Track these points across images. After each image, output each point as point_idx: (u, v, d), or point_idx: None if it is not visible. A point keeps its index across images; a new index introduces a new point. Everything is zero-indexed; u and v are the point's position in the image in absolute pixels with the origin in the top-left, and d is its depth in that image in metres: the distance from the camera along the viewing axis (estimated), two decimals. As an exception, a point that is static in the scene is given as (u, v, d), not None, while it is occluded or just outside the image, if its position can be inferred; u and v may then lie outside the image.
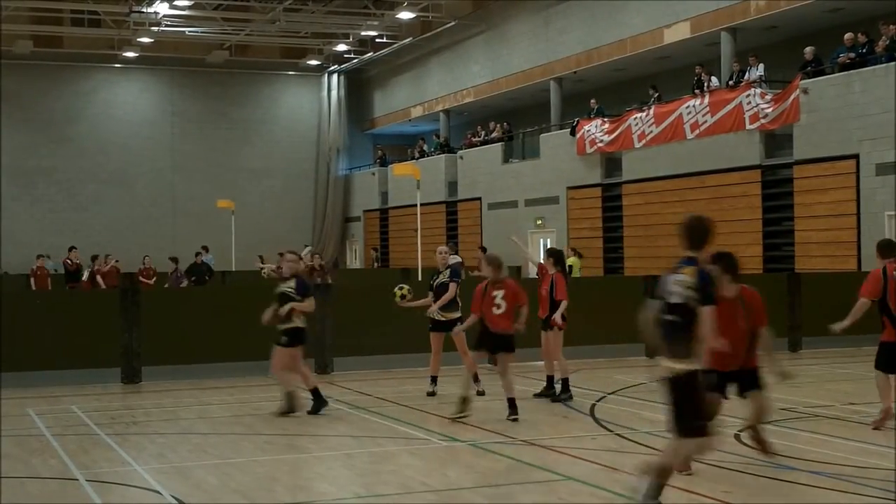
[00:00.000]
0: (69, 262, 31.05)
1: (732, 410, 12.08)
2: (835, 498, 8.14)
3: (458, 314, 13.57)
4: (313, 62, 48.99)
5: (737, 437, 10.50)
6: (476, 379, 13.30)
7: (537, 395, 13.43)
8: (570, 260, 25.35)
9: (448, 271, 13.69)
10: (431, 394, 13.58)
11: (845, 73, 24.01)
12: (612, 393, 13.86)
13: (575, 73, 34.83)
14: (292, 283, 12.40)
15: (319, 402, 12.26)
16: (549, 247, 16.89)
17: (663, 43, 30.47)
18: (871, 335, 19.06)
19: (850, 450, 9.91)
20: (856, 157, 23.39)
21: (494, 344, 11.72)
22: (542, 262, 13.62)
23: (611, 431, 10.99)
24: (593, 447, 10.15)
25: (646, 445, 10.12)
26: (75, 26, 44.03)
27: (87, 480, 8.95)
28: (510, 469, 9.29)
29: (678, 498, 8.13)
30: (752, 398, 9.39)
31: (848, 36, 24.55)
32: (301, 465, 9.59)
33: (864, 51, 24.02)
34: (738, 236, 26.61)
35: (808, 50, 25.43)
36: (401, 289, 13.54)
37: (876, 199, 22.93)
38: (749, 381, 9.24)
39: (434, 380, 13.79)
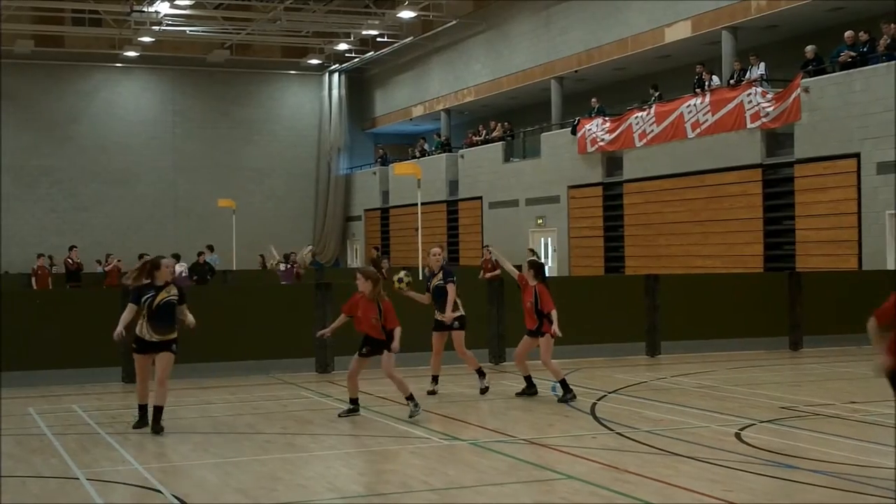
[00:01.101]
0: (70, 261, 31.11)
1: (734, 410, 12.11)
2: (836, 497, 8.13)
3: (459, 312, 13.60)
4: (314, 61, 48.99)
5: (737, 435, 10.51)
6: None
7: (519, 394, 13.49)
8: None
9: (442, 273, 13.71)
10: (432, 392, 13.59)
11: (846, 71, 23.99)
12: (613, 392, 13.86)
13: (576, 72, 34.82)
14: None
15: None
16: (529, 258, 16.87)
17: (664, 42, 30.46)
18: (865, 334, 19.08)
19: (852, 449, 9.91)
20: (857, 156, 23.37)
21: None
22: (521, 273, 13.52)
23: (611, 430, 10.99)
24: (594, 446, 10.14)
25: (647, 444, 10.12)
26: (76, 26, 44.05)
27: (87, 479, 8.95)
28: (511, 468, 9.29)
29: (678, 496, 8.13)
30: None
31: (848, 34, 24.54)
32: (302, 465, 9.58)
33: (866, 49, 24.00)
34: (738, 235, 26.63)
35: (809, 49, 25.41)
36: (401, 280, 13.41)
37: (877, 198, 22.91)
38: None
39: (435, 379, 13.80)
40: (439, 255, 14.03)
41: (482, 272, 24.93)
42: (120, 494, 8.63)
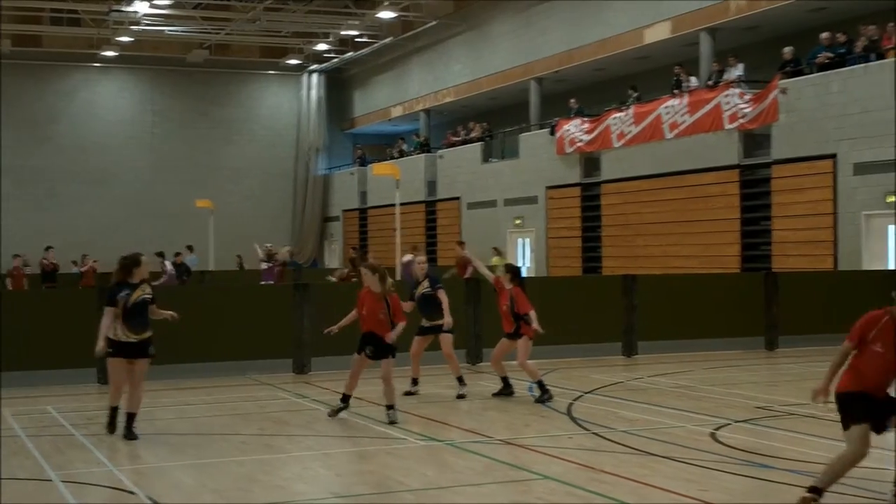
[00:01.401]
0: (45, 262, 30.95)
1: (709, 410, 12.14)
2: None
3: (443, 319, 13.59)
4: (293, 61, 48.90)
5: (713, 435, 10.54)
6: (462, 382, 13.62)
7: (496, 395, 13.50)
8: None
9: (427, 280, 13.73)
10: (410, 393, 13.58)
11: (824, 73, 24.12)
12: (590, 392, 13.88)
13: (555, 72, 34.89)
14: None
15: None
16: (505, 262, 16.89)
17: (643, 43, 30.56)
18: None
19: (827, 448, 9.93)
20: (834, 156, 23.50)
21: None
22: (498, 276, 13.51)
23: (588, 430, 11.01)
24: (570, 446, 10.16)
25: (623, 445, 10.15)
26: (54, 25, 43.85)
27: (62, 481, 8.90)
28: (488, 468, 9.29)
29: (654, 496, 8.15)
30: None
31: (824, 36, 24.68)
32: (279, 466, 9.56)
33: (843, 51, 24.14)
34: (716, 236, 26.73)
35: (787, 50, 25.53)
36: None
37: (853, 198, 23.05)
38: None
39: (415, 381, 13.80)
40: (424, 263, 14.09)
41: (456, 269, 24.84)
42: (94, 496, 8.59)
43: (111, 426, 11.01)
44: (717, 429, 10.86)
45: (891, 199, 22.07)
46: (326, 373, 16.04)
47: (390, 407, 11.64)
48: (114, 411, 11.04)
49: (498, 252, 27.17)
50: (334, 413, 11.92)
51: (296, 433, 11.25)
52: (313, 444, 10.70)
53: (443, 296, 13.63)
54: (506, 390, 13.50)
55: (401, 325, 11.64)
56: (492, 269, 14.55)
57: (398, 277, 21.74)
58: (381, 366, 11.66)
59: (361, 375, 11.99)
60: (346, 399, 11.99)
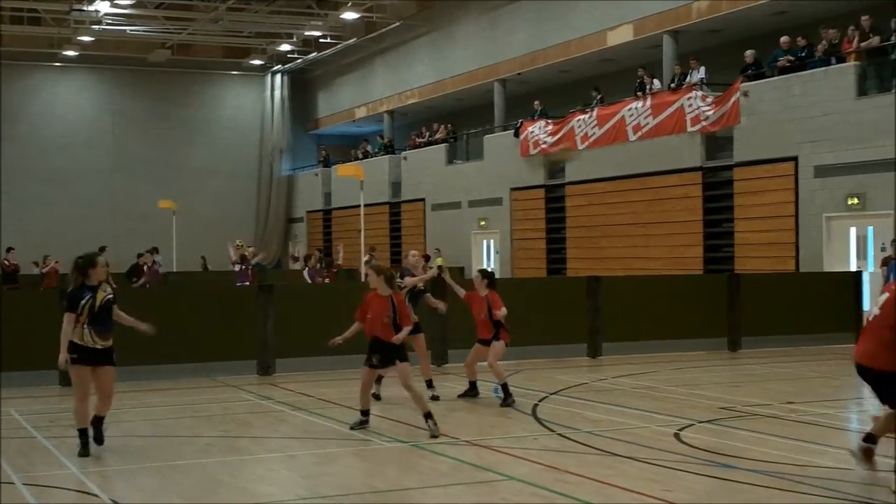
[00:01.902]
0: (6, 262, 30.64)
1: (673, 411, 12.21)
2: (774, 496, 8.24)
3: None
4: (257, 62, 48.73)
5: (676, 435, 10.60)
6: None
7: (461, 396, 13.52)
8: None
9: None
10: (375, 396, 13.54)
11: (785, 76, 24.33)
12: (555, 393, 13.92)
13: (519, 74, 34.96)
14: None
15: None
16: (480, 267, 16.93)
17: (607, 45, 30.69)
18: (809, 335, 19.41)
19: (789, 448, 10.04)
20: (795, 159, 23.71)
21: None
22: (470, 291, 13.43)
23: (553, 431, 11.04)
24: (535, 447, 10.19)
25: (587, 445, 10.18)
26: (14, 24, 43.36)
27: (24, 484, 8.82)
28: (453, 469, 9.30)
29: (618, 496, 8.19)
30: None
31: (784, 39, 24.90)
32: (243, 468, 9.52)
33: (804, 54, 24.36)
34: (678, 237, 26.89)
35: (749, 53, 25.73)
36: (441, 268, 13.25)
37: (814, 201, 23.26)
38: None
39: (379, 380, 13.75)
40: (418, 256, 14.20)
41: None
42: (57, 499, 8.52)
43: (85, 449, 10.03)
44: (680, 429, 10.93)
45: (852, 201, 22.30)
46: (291, 374, 16.01)
47: (427, 416, 10.85)
48: (84, 434, 10.09)
49: (440, 253, 27.21)
50: (357, 426, 11.19)
51: (260, 435, 11.21)
52: (278, 445, 10.67)
53: (427, 297, 13.99)
54: (471, 392, 13.51)
55: (406, 329, 11.12)
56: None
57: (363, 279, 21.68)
58: (397, 373, 11.09)
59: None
60: (365, 414, 11.31)
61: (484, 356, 13.14)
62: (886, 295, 8.59)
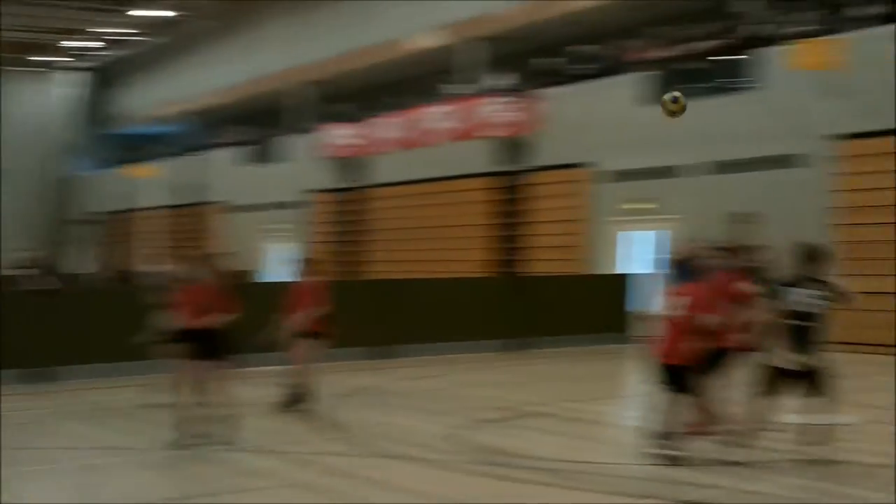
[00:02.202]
0: None
1: (458, 411, 12.23)
2: (551, 493, 8.31)
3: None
4: (49, 59, 46.92)
5: (459, 435, 10.60)
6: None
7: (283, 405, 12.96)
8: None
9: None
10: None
11: (580, 84, 24.96)
12: (347, 396, 13.73)
13: (324, 76, 34.75)
14: None
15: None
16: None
17: (412, 49, 30.81)
18: (594, 335, 19.84)
19: (567, 447, 10.18)
20: (589, 165, 24.33)
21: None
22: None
23: (342, 435, 10.85)
24: (323, 451, 10.00)
25: (374, 447, 10.06)
26: None
27: None
28: (234, 475, 9.04)
29: (399, 497, 8.13)
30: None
31: (585, 48, 25.56)
32: (6, 480, 8.98)
33: (600, 64, 25.07)
34: (475, 241, 27.22)
35: (548, 61, 26.31)
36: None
37: (605, 206, 23.92)
38: None
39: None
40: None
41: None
42: None
43: None
44: (462, 429, 10.93)
45: (641, 206, 23.07)
46: (71, 381, 15.26)
47: (218, 421, 10.44)
48: None
49: (233, 256, 26.72)
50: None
51: (27, 445, 10.63)
52: (44, 457, 10.12)
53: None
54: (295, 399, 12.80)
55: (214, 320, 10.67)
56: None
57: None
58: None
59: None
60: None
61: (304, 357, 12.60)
62: (687, 298, 9.19)
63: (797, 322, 9.04)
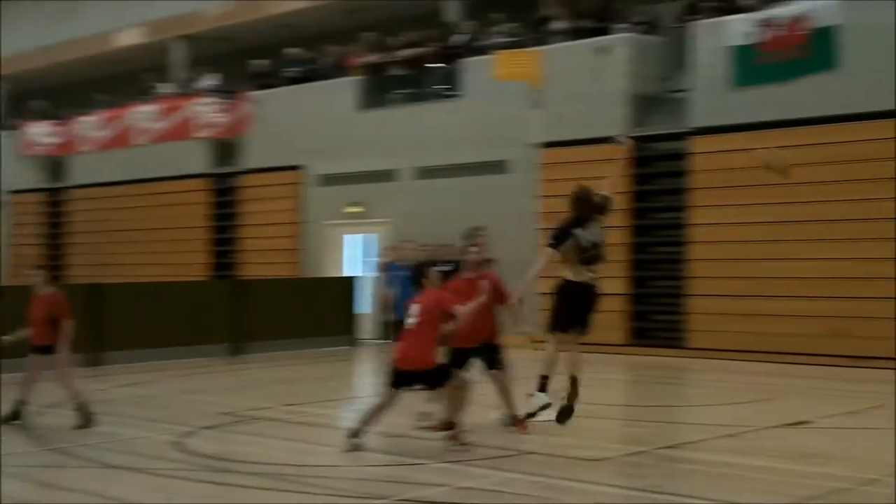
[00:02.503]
0: None
1: (176, 418, 12.06)
2: (274, 498, 8.35)
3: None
4: None
5: (178, 443, 10.47)
6: None
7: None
8: None
9: None
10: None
11: (293, 87, 25.05)
12: (51, 407, 13.20)
13: (22, 71, 33.21)
14: None
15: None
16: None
17: (115, 47, 29.94)
18: (311, 339, 20.01)
19: (289, 449, 10.25)
20: (301, 168, 24.46)
21: None
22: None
23: (48, 447, 10.47)
24: (29, 464, 9.63)
25: (85, 458, 9.77)
26: None
27: None
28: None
29: (116, 510, 7.97)
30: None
31: (293, 51, 25.67)
32: None
33: (312, 66, 25.25)
34: (187, 243, 26.77)
35: (258, 63, 26.23)
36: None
37: (319, 209, 24.12)
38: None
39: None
40: None
41: None
42: None
43: None
44: (182, 436, 10.79)
45: (353, 209, 23.41)
46: None
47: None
48: None
49: None
50: None
51: None
52: None
53: None
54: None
55: None
56: None
57: None
58: None
59: None
60: None
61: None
62: (418, 305, 9.73)
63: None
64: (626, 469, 9.39)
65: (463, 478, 8.76)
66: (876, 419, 12.15)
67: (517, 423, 10.58)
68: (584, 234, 10.05)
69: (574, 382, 10.16)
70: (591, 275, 10.13)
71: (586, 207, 10.18)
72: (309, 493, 8.42)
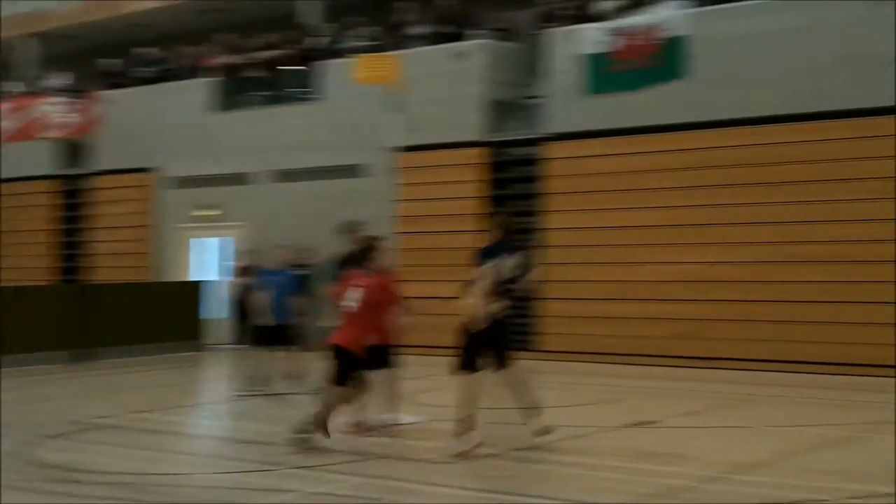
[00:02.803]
0: None
1: (17, 427, 11.65)
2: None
3: None
4: None
5: (16, 453, 10.12)
6: None
7: None
8: None
9: None
10: None
11: (146, 87, 24.57)
12: None
13: None
14: None
15: None
16: None
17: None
18: (160, 343, 19.63)
19: (137, 458, 10.02)
20: (153, 169, 23.99)
21: None
22: None
23: None
24: None
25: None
26: None
27: None
28: None
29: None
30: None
31: (146, 51, 25.20)
32: None
33: (166, 67, 24.81)
34: (33, 247, 26.03)
35: (110, 62, 25.66)
36: None
37: (172, 211, 23.69)
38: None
39: None
40: None
41: None
42: None
43: None
44: (28, 446, 10.43)
45: (205, 212, 23.07)
46: None
47: None
48: None
49: None
50: None
51: None
52: None
53: None
54: None
55: None
56: None
57: None
58: None
59: None
60: None
61: None
62: (361, 290, 9.91)
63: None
64: (479, 471, 9.45)
65: (315, 483, 8.69)
66: (717, 418, 12.51)
67: (361, 426, 10.56)
68: (507, 264, 10.09)
69: (528, 405, 10.21)
70: (500, 307, 10.09)
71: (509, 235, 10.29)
72: (158, 502, 8.24)
